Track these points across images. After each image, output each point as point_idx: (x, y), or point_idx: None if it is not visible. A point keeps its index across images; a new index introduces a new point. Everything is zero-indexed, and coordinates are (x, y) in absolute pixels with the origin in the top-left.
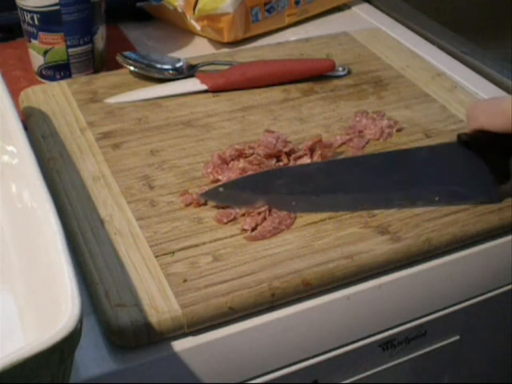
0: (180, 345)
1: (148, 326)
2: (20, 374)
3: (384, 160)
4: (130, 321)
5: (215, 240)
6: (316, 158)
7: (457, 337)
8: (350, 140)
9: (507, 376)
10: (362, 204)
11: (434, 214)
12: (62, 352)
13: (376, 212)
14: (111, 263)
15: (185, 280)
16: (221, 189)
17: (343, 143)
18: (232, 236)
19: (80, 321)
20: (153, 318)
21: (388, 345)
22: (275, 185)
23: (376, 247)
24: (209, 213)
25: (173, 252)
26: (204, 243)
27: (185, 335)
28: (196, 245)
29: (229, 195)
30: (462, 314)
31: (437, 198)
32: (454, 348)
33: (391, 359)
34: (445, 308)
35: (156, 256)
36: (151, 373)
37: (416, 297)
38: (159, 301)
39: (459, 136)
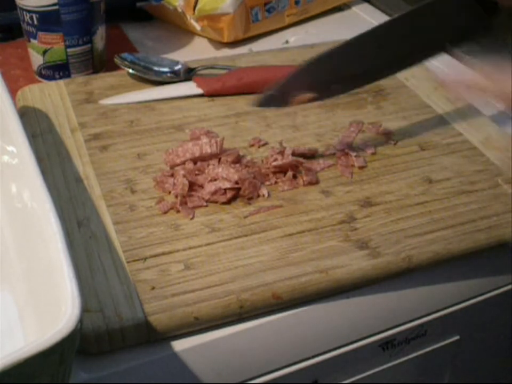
0: (179, 345)
1: (110, 333)
2: (20, 374)
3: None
4: (92, 327)
5: (189, 248)
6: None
7: (457, 337)
8: (339, 157)
9: (507, 376)
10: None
11: (419, 229)
12: (62, 352)
13: (358, 225)
14: (81, 267)
15: (153, 288)
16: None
17: (329, 166)
18: (208, 244)
19: (80, 321)
20: (116, 325)
21: (388, 345)
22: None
23: (353, 262)
24: (187, 220)
25: (145, 258)
26: (178, 250)
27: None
28: (170, 252)
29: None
30: (462, 314)
31: None
32: (454, 347)
33: (391, 359)
34: (445, 308)
35: (128, 262)
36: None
37: (416, 297)
38: (124, 308)
39: None
